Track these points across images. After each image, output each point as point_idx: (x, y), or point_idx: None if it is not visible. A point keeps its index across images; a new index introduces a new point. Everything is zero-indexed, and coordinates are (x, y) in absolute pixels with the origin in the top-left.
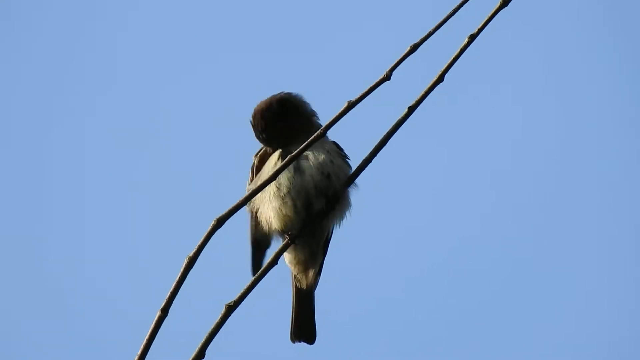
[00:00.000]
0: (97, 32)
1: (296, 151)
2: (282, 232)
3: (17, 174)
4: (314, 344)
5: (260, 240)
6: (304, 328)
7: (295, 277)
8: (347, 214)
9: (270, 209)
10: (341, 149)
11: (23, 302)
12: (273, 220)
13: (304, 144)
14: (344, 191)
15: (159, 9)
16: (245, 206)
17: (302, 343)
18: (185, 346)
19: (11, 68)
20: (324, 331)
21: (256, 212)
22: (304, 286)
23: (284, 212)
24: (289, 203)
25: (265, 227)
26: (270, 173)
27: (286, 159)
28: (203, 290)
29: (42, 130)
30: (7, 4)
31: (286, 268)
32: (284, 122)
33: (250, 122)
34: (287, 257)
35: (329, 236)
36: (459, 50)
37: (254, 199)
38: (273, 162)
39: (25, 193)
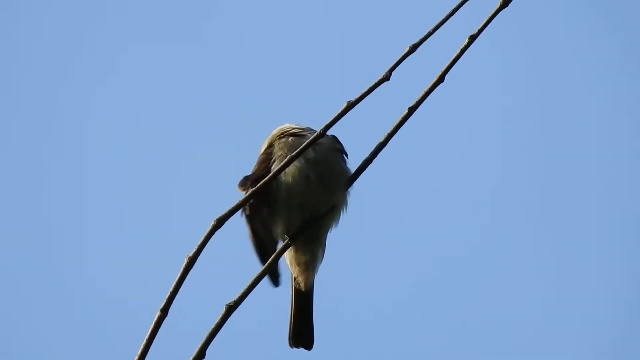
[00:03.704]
0: (96, 33)
1: (296, 152)
2: (285, 234)
3: (20, 176)
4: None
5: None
6: (302, 332)
7: (295, 279)
8: (344, 210)
9: (277, 216)
10: (339, 142)
11: (24, 303)
12: (278, 225)
13: (304, 145)
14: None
15: (159, 9)
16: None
17: (301, 348)
18: (185, 346)
19: (11, 70)
20: (321, 335)
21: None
22: (303, 288)
23: (289, 220)
24: (295, 213)
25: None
26: (271, 174)
27: (286, 159)
28: (203, 291)
29: (42, 131)
30: (8, 4)
31: (286, 269)
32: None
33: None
34: (287, 258)
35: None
36: (459, 50)
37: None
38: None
39: (27, 194)
